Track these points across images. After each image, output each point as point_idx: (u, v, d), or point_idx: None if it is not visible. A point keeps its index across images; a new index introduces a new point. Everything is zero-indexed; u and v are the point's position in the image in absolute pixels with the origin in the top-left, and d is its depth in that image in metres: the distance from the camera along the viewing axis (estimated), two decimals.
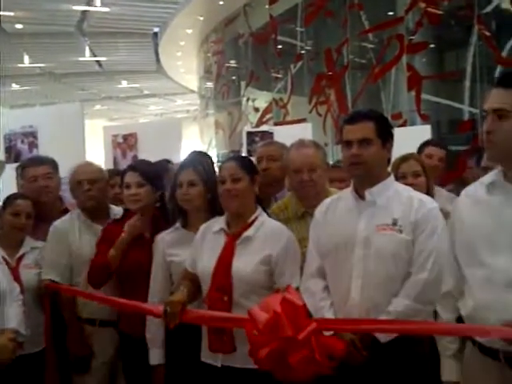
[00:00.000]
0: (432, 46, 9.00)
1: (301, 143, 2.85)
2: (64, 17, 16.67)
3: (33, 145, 5.23)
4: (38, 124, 5.25)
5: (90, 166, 3.21)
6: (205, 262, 2.50)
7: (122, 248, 2.80)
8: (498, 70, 7.36)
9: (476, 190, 1.96)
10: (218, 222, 2.56)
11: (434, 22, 8.46)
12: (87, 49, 19.62)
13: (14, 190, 3.59)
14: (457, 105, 8.13)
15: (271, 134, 5.98)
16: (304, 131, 5.49)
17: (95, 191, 3.09)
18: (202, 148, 16.62)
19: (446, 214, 2.30)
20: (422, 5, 8.36)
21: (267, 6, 12.27)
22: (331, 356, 2.00)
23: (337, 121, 9.84)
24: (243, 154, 5.35)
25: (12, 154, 5.04)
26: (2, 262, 2.87)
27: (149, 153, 4.62)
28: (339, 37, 10.32)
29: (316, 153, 2.80)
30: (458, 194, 2.25)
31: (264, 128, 7.87)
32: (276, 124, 11.31)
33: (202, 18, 16.08)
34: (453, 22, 8.96)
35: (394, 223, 2.21)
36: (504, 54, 7.67)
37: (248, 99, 15.04)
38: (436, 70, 9.31)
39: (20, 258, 3.06)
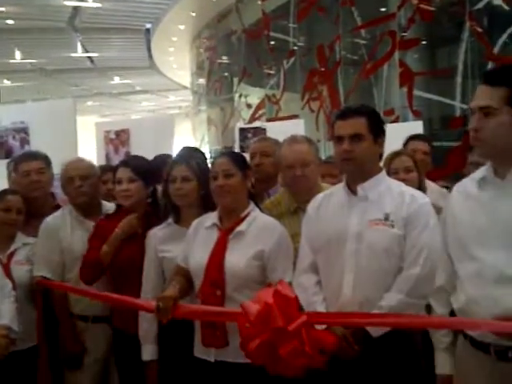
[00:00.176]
0: (424, 42, 9.03)
1: (293, 139, 2.86)
2: (56, 12, 16.58)
3: (24, 141, 5.22)
4: (29, 120, 5.23)
5: (81, 162, 3.20)
6: (197, 257, 2.50)
7: (114, 244, 2.80)
8: (490, 66, 7.39)
9: (467, 185, 1.98)
10: (211, 218, 2.57)
11: (426, 18, 8.49)
12: (79, 45, 19.54)
13: (5, 186, 3.57)
14: (448, 101, 8.16)
15: (264, 130, 5.99)
16: (296, 127, 5.50)
17: (87, 187, 3.08)
18: (195, 144, 16.63)
19: (438, 209, 2.32)
20: (414, 1, 8.39)
21: (260, 2, 12.28)
22: (322, 350, 2.01)
23: (329, 117, 9.85)
24: (236, 150, 5.35)
25: (3, 150, 5.02)
26: None
27: (141, 149, 4.61)
28: (332, 33, 10.34)
29: (308, 148, 2.81)
30: None
31: (256, 124, 7.86)
32: (268, 120, 11.31)
33: (194, 14, 16.05)
34: (445, 18, 8.99)
35: (386, 218, 2.22)
36: (495, 50, 7.70)
37: (240, 95, 15.04)
38: (428, 66, 9.34)
39: (11, 254, 3.04)
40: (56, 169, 3.36)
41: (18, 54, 19.60)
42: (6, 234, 3.07)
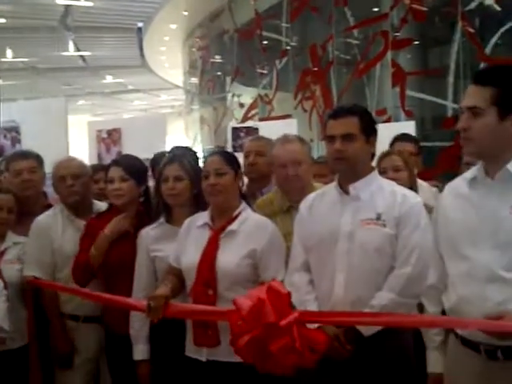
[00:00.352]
0: (416, 42, 9.05)
1: (286, 138, 2.86)
2: (47, 11, 16.51)
3: (15, 140, 5.20)
4: (20, 119, 5.22)
5: (72, 161, 3.19)
6: (189, 256, 2.50)
7: (103, 246, 2.78)
8: (482, 66, 7.42)
9: (459, 185, 1.99)
10: (202, 217, 2.56)
11: (419, 18, 8.51)
12: (71, 43, 19.46)
13: None
14: (440, 101, 8.18)
15: (256, 129, 5.99)
16: (289, 127, 5.51)
17: (78, 186, 3.07)
18: (188, 143, 16.61)
19: (430, 209, 2.32)
20: (407, 1, 8.41)
21: (252, 2, 12.27)
22: (313, 349, 2.01)
23: (322, 117, 9.86)
24: (228, 150, 5.34)
25: None
26: None
27: (133, 148, 4.61)
28: (324, 33, 10.35)
29: (301, 148, 2.82)
30: None
31: (249, 124, 7.86)
32: (261, 120, 11.31)
33: (186, 13, 16.03)
34: (437, 18, 9.01)
35: (378, 218, 2.22)
36: (487, 50, 7.73)
37: (233, 95, 15.03)
38: (420, 66, 9.37)
39: (2, 253, 3.02)
40: (47, 168, 3.35)
41: (9, 53, 19.50)
42: None
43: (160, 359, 2.65)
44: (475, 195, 1.89)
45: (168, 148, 4.05)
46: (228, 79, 15.46)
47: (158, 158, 3.42)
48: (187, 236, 2.57)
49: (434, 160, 7.82)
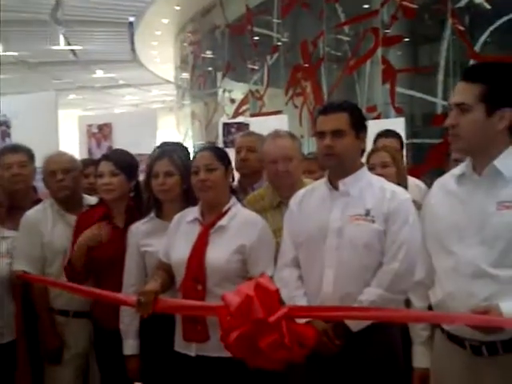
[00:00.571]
0: (407, 39, 9.08)
1: (276, 134, 2.87)
2: (38, 4, 16.39)
3: (5, 134, 5.18)
4: (10, 113, 5.19)
5: (63, 156, 3.18)
6: (179, 251, 2.50)
7: (80, 254, 2.77)
8: (471, 64, 7.46)
9: (447, 181, 2.00)
10: (192, 212, 2.57)
11: (409, 15, 8.55)
12: (62, 37, 19.33)
13: None
14: (430, 98, 8.22)
15: (247, 125, 6.01)
16: (280, 123, 5.52)
17: (69, 181, 3.06)
18: (179, 139, 16.58)
19: (419, 206, 2.34)
20: None
21: None
22: (302, 344, 2.02)
23: (312, 113, 9.88)
24: (219, 145, 5.35)
25: None
26: None
27: (124, 143, 4.60)
28: (315, 29, 10.36)
29: (291, 143, 2.82)
30: None
31: (240, 119, 7.86)
32: (252, 115, 11.31)
33: (178, 8, 15.97)
34: (427, 16, 9.04)
35: (367, 213, 2.24)
36: (477, 48, 7.77)
37: (224, 90, 15.01)
38: (410, 63, 9.40)
39: None
40: (38, 162, 3.34)
41: None
42: None
43: (149, 354, 2.65)
44: (463, 191, 1.91)
45: (157, 144, 4.05)
46: (219, 75, 15.44)
47: None
48: (177, 231, 2.57)
49: (423, 157, 7.86)
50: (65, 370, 2.98)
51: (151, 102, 32.06)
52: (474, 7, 7.93)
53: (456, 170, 1.98)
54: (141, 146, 4.43)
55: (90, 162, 3.74)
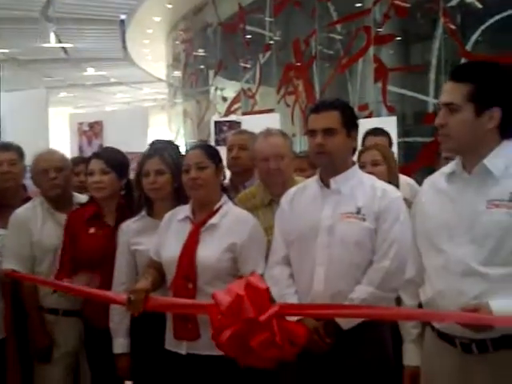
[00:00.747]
0: (399, 38, 9.10)
1: (268, 132, 2.87)
2: (29, 2, 16.29)
3: None
4: (1, 110, 5.17)
5: (54, 154, 3.17)
6: (169, 250, 2.49)
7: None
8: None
9: (437, 179, 2.00)
10: (183, 210, 2.56)
11: (401, 14, 8.56)
12: (52, 35, 19.23)
13: None
14: (422, 97, 8.24)
15: (239, 123, 6.00)
16: (272, 121, 5.52)
17: (61, 179, 3.04)
18: (171, 137, 16.54)
19: (410, 203, 2.34)
20: None
21: None
22: (293, 342, 2.02)
23: (304, 111, 9.88)
24: (211, 143, 5.34)
25: None
26: None
27: (115, 141, 4.58)
28: (307, 27, 10.36)
29: (283, 142, 2.83)
30: None
31: (232, 118, 7.86)
32: (244, 114, 11.31)
33: (170, 6, 15.93)
34: (419, 14, 9.07)
35: (358, 212, 2.24)
36: (468, 47, 7.80)
37: (216, 88, 14.99)
38: (402, 62, 9.42)
39: None
40: (28, 160, 3.32)
41: None
42: None
43: (140, 353, 2.64)
44: (453, 189, 1.91)
45: (149, 142, 4.04)
46: (211, 73, 15.41)
47: None
48: (168, 229, 2.56)
49: (414, 155, 7.88)
50: (54, 368, 2.96)
51: (143, 100, 31.98)
52: (466, 6, 7.95)
53: (446, 169, 1.98)
54: (132, 144, 4.41)
55: (80, 160, 3.72)
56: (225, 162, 2.91)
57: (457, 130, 1.84)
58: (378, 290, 2.18)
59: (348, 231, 2.23)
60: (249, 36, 12.60)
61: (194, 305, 2.34)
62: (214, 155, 2.55)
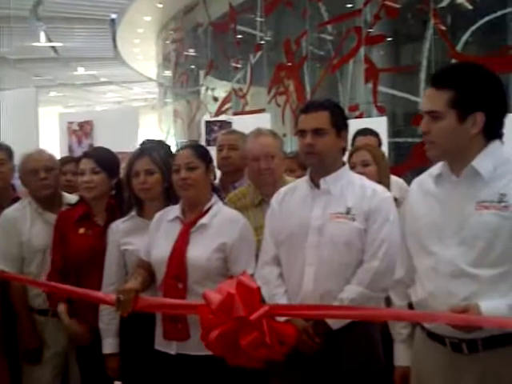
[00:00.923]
0: (389, 39, 9.13)
1: (259, 132, 2.88)
2: (19, 0, 16.22)
3: None
4: None
5: (43, 154, 3.14)
6: (159, 250, 2.48)
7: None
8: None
9: (425, 181, 2.00)
10: (173, 211, 2.55)
11: (392, 15, 8.59)
12: (42, 34, 19.14)
13: None
14: (412, 98, 8.27)
15: (230, 123, 6.01)
16: (263, 121, 5.53)
17: (51, 179, 3.03)
18: (161, 137, 16.51)
19: (400, 203, 2.35)
20: None
21: None
22: (282, 342, 2.02)
23: (295, 112, 9.89)
24: (202, 143, 5.34)
25: None
26: None
27: (105, 141, 4.57)
28: (298, 28, 10.37)
29: (273, 141, 2.83)
30: None
31: (223, 118, 7.86)
32: (235, 114, 11.31)
33: (160, 6, 15.89)
34: (409, 15, 9.11)
35: (348, 212, 2.24)
36: (458, 48, 7.84)
37: (207, 88, 14.98)
38: (393, 62, 9.46)
39: None
40: (17, 160, 3.30)
41: None
42: None
43: (129, 353, 2.63)
44: (441, 192, 1.91)
45: (139, 142, 4.03)
46: (202, 73, 15.40)
47: None
48: (158, 230, 2.55)
49: (405, 156, 7.91)
50: (44, 369, 2.95)
51: (133, 99, 31.91)
52: (456, 7, 8.00)
53: (434, 170, 1.97)
54: (122, 143, 4.40)
55: (68, 160, 3.71)
56: (215, 162, 2.91)
57: (440, 138, 1.83)
58: (367, 290, 2.19)
59: (338, 231, 2.23)
60: (240, 36, 12.60)
61: (184, 305, 2.33)
62: (204, 155, 2.54)
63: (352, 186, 2.31)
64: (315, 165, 2.31)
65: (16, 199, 3.23)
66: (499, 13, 7.58)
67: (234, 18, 12.44)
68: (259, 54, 11.89)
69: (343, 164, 2.40)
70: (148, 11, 16.41)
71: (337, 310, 2.12)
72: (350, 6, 9.78)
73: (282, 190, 2.48)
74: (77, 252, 2.78)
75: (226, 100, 13.40)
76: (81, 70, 24.74)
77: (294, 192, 2.41)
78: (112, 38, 19.50)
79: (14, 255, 2.96)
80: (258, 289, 2.04)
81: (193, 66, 16.45)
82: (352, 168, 2.84)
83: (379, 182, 2.65)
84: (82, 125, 5.86)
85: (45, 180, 3.00)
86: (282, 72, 10.81)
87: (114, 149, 3.10)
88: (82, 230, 2.83)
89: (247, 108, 12.09)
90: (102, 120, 5.82)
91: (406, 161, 7.61)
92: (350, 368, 2.23)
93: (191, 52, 16.28)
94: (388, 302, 2.19)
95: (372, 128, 4.04)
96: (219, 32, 13.33)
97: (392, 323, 2.15)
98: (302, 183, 2.41)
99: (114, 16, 17.71)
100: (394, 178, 3.49)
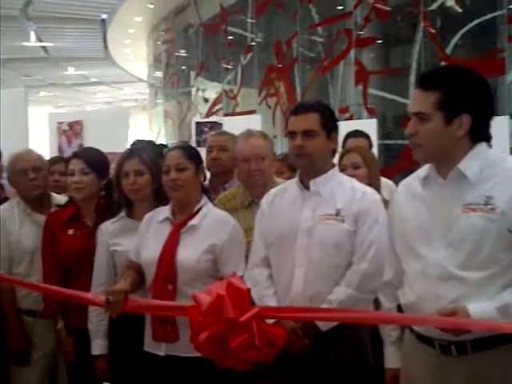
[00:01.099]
0: (379, 41, 9.18)
1: (249, 133, 2.88)
2: (9, 0, 16.14)
3: None
4: None
5: (32, 154, 3.12)
6: (149, 251, 2.48)
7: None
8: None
9: (412, 183, 1.99)
10: (163, 212, 2.55)
11: (382, 17, 8.64)
12: (32, 34, 19.06)
13: None
14: (402, 100, 8.31)
15: (220, 124, 6.01)
16: (253, 123, 5.53)
17: (41, 180, 3.01)
18: (151, 138, 16.46)
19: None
20: (370, 0, 8.52)
21: None
22: (271, 344, 2.02)
23: (286, 113, 9.91)
24: (192, 144, 5.33)
25: None
26: None
27: (95, 141, 4.55)
28: (289, 29, 10.40)
29: (264, 143, 2.84)
30: None
31: (213, 119, 7.85)
32: (226, 115, 11.31)
33: (151, 6, 15.87)
34: (399, 18, 9.16)
35: (337, 213, 2.24)
36: (448, 51, 7.89)
37: (198, 89, 14.97)
38: (383, 65, 9.50)
39: None
40: (6, 160, 3.28)
41: None
42: None
43: (118, 354, 2.62)
44: (428, 194, 1.91)
45: (129, 142, 4.01)
46: (193, 73, 15.39)
47: None
48: (147, 231, 2.55)
49: (395, 157, 7.95)
50: (31, 371, 2.93)
51: (123, 100, 31.83)
52: (446, 10, 8.05)
53: (420, 172, 1.97)
54: (112, 144, 4.38)
55: (56, 160, 3.69)
56: (205, 163, 2.90)
57: (427, 139, 1.83)
58: (356, 292, 2.19)
59: (327, 233, 2.23)
60: (230, 37, 12.61)
61: (174, 306, 2.32)
62: (194, 156, 2.54)
63: (342, 188, 2.31)
64: (305, 166, 2.31)
65: (4, 199, 3.21)
66: (488, 16, 7.64)
67: (224, 19, 12.46)
68: (250, 55, 11.91)
69: (333, 166, 2.40)
70: (139, 12, 16.39)
71: (326, 313, 2.12)
72: (340, 8, 9.81)
73: (272, 191, 2.48)
74: (66, 253, 2.77)
75: (216, 101, 13.41)
76: (71, 70, 24.65)
77: (283, 193, 2.41)
78: (102, 39, 19.45)
79: (3, 256, 2.94)
80: (248, 290, 2.04)
81: (184, 67, 16.44)
82: (342, 170, 2.85)
83: (370, 184, 2.65)
84: (71, 125, 5.83)
85: (34, 180, 2.98)
86: (273, 73, 10.84)
87: (104, 149, 3.09)
88: (71, 231, 2.81)
89: (238, 109, 12.10)
90: (92, 120, 5.80)
91: (396, 163, 7.64)
92: (338, 369, 2.23)
93: (182, 53, 16.28)
94: (377, 303, 2.20)
95: (362, 130, 4.05)
96: (210, 33, 13.34)
97: (382, 325, 2.15)
98: (292, 185, 2.41)
99: (104, 16, 17.66)
100: (383, 180, 3.49)
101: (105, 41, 19.58)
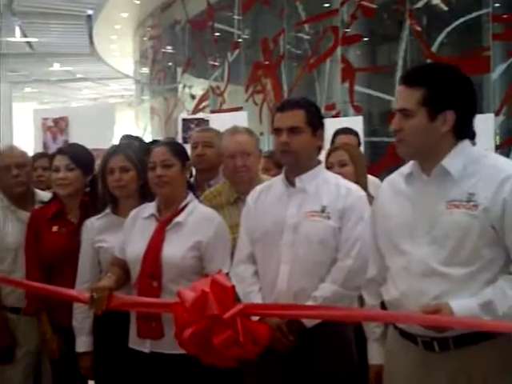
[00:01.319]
0: (366, 39, 9.20)
1: (235, 130, 2.88)
2: None
3: None
4: None
5: (15, 150, 3.09)
6: (134, 247, 2.47)
7: None
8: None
9: (396, 180, 2.00)
10: (149, 208, 2.54)
11: (368, 15, 8.67)
12: (17, 29, 18.89)
13: None
14: (388, 97, 8.34)
15: (207, 121, 5.99)
16: (240, 120, 5.51)
17: (24, 176, 2.99)
18: (138, 134, 16.39)
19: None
20: None
21: None
22: (255, 341, 2.02)
23: (273, 110, 9.91)
24: (179, 141, 5.31)
25: None
26: None
27: (80, 138, 4.53)
28: (276, 26, 10.40)
29: (249, 139, 2.84)
30: None
31: (200, 115, 7.83)
32: (212, 112, 11.30)
33: (138, 2, 15.79)
34: (386, 16, 9.19)
35: (323, 210, 2.25)
36: (434, 48, 7.92)
37: (184, 86, 14.93)
38: (369, 62, 9.53)
39: None
40: None
41: None
42: None
43: (103, 351, 2.61)
44: (412, 191, 1.92)
45: (115, 138, 4.00)
46: (179, 70, 15.34)
47: None
48: (133, 227, 2.54)
49: (381, 154, 7.98)
50: (15, 368, 2.91)
51: (109, 96, 31.67)
52: (432, 8, 8.09)
53: (404, 169, 1.98)
54: (98, 140, 4.36)
55: (40, 156, 3.66)
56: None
57: (411, 135, 1.85)
58: (341, 288, 2.20)
59: (312, 230, 2.24)
60: (217, 34, 12.58)
61: (159, 303, 2.32)
62: (180, 153, 2.53)
63: (327, 185, 2.32)
64: (291, 163, 2.32)
65: None
66: (474, 14, 7.68)
67: (211, 15, 12.43)
68: (237, 52, 11.89)
69: (319, 162, 2.40)
70: (125, 7, 16.30)
71: (311, 310, 2.13)
72: (327, 5, 9.82)
73: (258, 188, 2.48)
74: (50, 250, 2.75)
75: (203, 98, 13.38)
76: (56, 66, 24.47)
77: (269, 190, 2.42)
78: (88, 34, 19.32)
79: None
80: (233, 287, 2.04)
81: (170, 64, 16.38)
82: (329, 168, 2.86)
83: (356, 182, 2.66)
84: (56, 121, 5.79)
85: (18, 177, 2.96)
86: (260, 70, 10.83)
87: (90, 146, 3.07)
88: (55, 228, 2.80)
89: (224, 106, 12.08)
90: (78, 116, 5.76)
91: (382, 160, 7.67)
92: (323, 366, 2.24)
93: (169, 49, 16.21)
94: (362, 300, 2.21)
95: (351, 127, 4.07)
96: (197, 29, 13.30)
97: (365, 322, 2.16)
98: (278, 181, 2.41)
99: (90, 12, 17.53)
100: (370, 178, 3.51)
101: (91, 37, 19.45)
